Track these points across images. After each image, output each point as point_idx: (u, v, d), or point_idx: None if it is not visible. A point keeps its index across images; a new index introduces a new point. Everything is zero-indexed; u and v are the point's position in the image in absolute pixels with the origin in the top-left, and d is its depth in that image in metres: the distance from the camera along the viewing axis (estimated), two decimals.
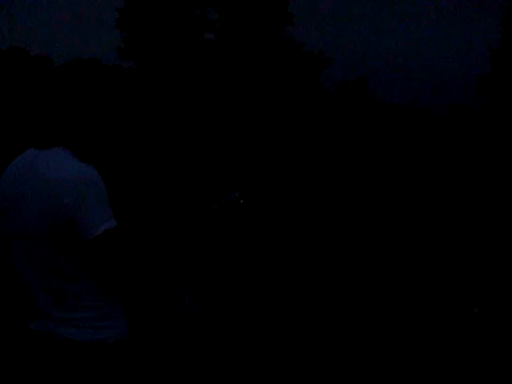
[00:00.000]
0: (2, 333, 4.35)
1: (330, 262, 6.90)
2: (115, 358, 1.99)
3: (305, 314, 5.22)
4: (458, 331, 4.84)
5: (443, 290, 5.92)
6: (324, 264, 6.79)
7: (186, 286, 3.56)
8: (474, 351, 4.43)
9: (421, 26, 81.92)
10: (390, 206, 11.00)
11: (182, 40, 25.20)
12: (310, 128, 18.79)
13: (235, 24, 25.00)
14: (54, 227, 1.82)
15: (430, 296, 5.66)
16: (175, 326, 3.48)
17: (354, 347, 4.47)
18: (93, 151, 1.99)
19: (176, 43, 24.94)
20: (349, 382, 4.03)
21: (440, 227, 9.02)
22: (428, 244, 7.86)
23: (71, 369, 1.93)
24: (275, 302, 5.48)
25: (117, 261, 1.87)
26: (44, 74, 23.55)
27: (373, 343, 4.55)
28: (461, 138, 20.71)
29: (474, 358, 4.30)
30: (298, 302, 5.54)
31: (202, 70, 22.85)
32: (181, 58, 24.02)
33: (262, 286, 5.88)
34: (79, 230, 1.81)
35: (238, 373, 4.08)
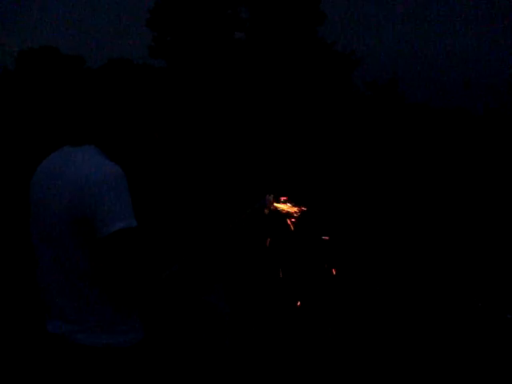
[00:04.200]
0: (18, 333, 4.39)
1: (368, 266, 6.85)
2: (131, 362, 1.97)
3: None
4: (490, 337, 4.78)
5: (475, 295, 5.85)
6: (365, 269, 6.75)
7: (219, 288, 3.58)
8: (507, 357, 4.36)
9: (454, 26, 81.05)
10: (423, 207, 10.91)
11: (213, 39, 25.23)
12: (341, 128, 18.67)
13: (266, 23, 24.94)
14: (73, 224, 1.81)
15: (462, 302, 5.61)
16: (208, 327, 3.52)
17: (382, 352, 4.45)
18: (123, 151, 1.98)
19: (207, 42, 24.99)
20: None
21: (471, 231, 8.92)
22: (460, 249, 7.78)
23: (86, 374, 1.91)
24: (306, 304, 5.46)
25: (125, 263, 1.79)
26: (76, 73, 23.90)
27: (401, 344, 4.54)
28: (497, 139, 20.42)
29: (507, 364, 4.24)
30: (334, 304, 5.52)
31: (232, 69, 22.85)
32: (211, 57, 24.06)
33: (293, 287, 5.87)
34: (95, 227, 1.79)
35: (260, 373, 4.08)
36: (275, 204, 2.28)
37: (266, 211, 2.30)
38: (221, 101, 17.98)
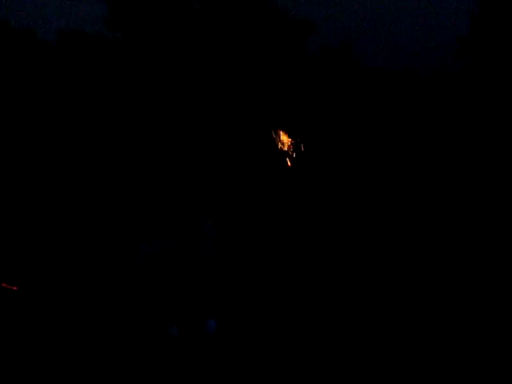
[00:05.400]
0: None
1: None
2: None
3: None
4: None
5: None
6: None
7: (207, 215, 4.26)
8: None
9: None
10: (383, 178, 11.09)
11: (168, 9, 25.19)
12: (296, 95, 19.08)
13: None
14: None
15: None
16: (197, 249, 4.16)
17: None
18: None
19: (162, 12, 24.95)
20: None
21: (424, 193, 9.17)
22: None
23: None
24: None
25: None
26: (27, 47, 23.60)
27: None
28: (447, 101, 20.99)
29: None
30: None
31: (188, 37, 22.98)
32: (167, 26, 24.08)
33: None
34: None
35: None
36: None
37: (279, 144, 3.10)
38: (178, 69, 18.22)
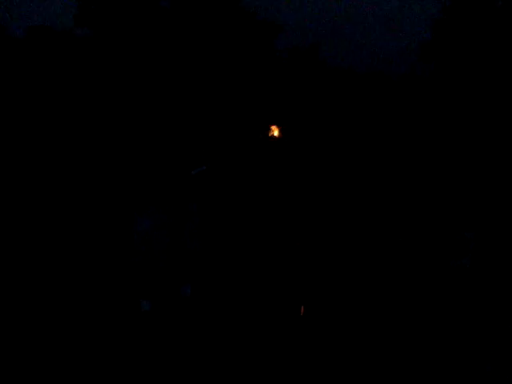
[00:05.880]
0: None
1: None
2: None
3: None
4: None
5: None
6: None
7: (194, 199, 4.72)
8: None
9: None
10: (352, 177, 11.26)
11: (139, 7, 25.30)
12: (263, 96, 19.37)
13: None
14: None
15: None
16: (183, 227, 4.59)
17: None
18: None
19: (132, 10, 25.05)
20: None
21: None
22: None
23: None
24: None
25: None
26: None
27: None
28: (413, 104, 21.42)
29: None
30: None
31: (157, 36, 23.14)
32: (137, 25, 24.20)
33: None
34: None
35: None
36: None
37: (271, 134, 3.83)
38: (146, 67, 18.37)
